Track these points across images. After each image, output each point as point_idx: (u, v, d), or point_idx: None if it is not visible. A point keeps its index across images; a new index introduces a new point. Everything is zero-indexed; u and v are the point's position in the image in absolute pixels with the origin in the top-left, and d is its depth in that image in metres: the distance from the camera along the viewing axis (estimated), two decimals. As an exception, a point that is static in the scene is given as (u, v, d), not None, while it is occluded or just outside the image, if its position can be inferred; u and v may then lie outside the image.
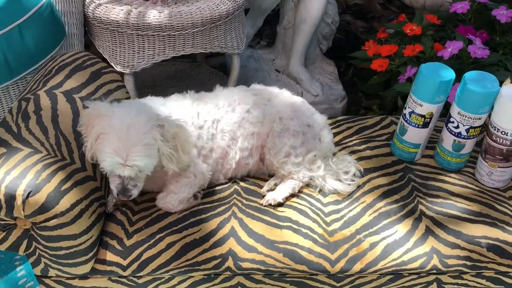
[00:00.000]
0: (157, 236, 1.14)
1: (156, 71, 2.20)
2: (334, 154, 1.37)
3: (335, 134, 1.46)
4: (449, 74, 1.26)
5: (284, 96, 1.36)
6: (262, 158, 1.30)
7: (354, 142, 1.43)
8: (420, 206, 1.25)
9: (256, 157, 1.29)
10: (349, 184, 1.28)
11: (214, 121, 1.25)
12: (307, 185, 1.30)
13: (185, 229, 1.16)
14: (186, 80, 2.19)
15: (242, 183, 1.30)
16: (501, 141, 1.24)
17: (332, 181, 1.28)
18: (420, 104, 1.29)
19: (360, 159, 1.38)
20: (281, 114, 1.30)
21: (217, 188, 1.27)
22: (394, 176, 1.33)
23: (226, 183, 1.29)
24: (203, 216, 1.19)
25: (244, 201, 1.24)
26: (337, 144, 1.43)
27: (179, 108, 1.23)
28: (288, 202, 1.25)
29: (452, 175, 1.34)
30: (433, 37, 2.03)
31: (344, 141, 1.44)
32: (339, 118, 1.52)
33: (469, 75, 1.25)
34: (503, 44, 1.98)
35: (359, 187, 1.30)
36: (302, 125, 1.31)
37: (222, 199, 1.24)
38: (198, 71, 2.24)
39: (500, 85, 1.26)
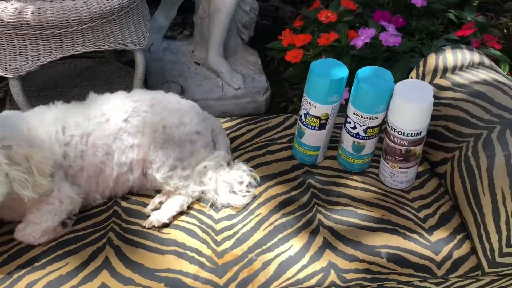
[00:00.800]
0: (15, 276, 0.99)
1: (58, 71, 2.01)
2: (230, 163, 1.26)
3: (234, 139, 1.34)
4: (342, 71, 1.15)
5: (170, 101, 1.22)
6: (144, 173, 1.17)
7: (254, 146, 1.32)
8: (319, 216, 1.16)
9: (137, 172, 1.15)
10: (244, 196, 1.17)
11: (83, 135, 1.10)
12: (198, 199, 1.18)
13: (50, 264, 1.01)
14: (92, 79, 2.02)
15: (123, 203, 1.16)
16: (399, 142, 1.15)
17: (225, 194, 1.17)
18: (314, 106, 1.18)
19: (258, 165, 1.26)
20: (164, 122, 1.16)
21: (93, 211, 1.13)
22: (293, 183, 1.23)
23: (105, 203, 1.15)
24: (73, 246, 1.05)
25: (123, 224, 1.11)
26: (235, 149, 1.31)
27: (40, 123, 1.08)
28: (175, 222, 1.13)
29: (355, 177, 1.25)
30: (349, 24, 1.93)
31: (243, 146, 1.32)
32: (239, 120, 1.40)
33: (362, 72, 1.15)
34: (419, 29, 1.90)
35: (255, 197, 1.19)
36: (190, 133, 1.18)
37: (97, 224, 1.10)
38: (106, 68, 2.07)
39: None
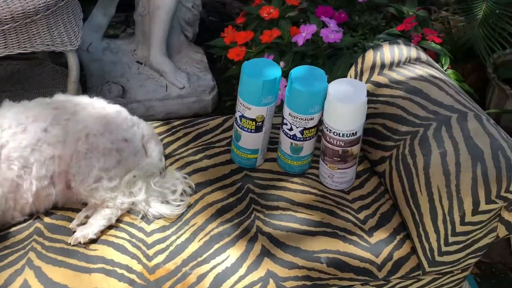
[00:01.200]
0: None
1: (-14, 75, 1.89)
2: (162, 171, 1.20)
3: (169, 144, 1.28)
4: (274, 71, 1.10)
5: (94, 107, 1.14)
6: (68, 185, 1.09)
7: (190, 151, 1.25)
8: (257, 222, 1.11)
9: (60, 185, 1.07)
10: (178, 206, 1.11)
11: None
12: (128, 211, 1.11)
13: (-40, 292, 0.93)
14: (24, 82, 1.89)
15: (46, 219, 1.08)
16: (335, 143, 1.12)
17: (157, 204, 1.10)
18: (248, 108, 1.13)
19: (195, 171, 1.21)
20: (87, 130, 1.08)
21: (12, 230, 1.04)
22: (231, 189, 1.18)
23: (25, 220, 1.06)
24: (-13, 270, 0.97)
25: (46, 242, 1.03)
26: (170, 156, 1.25)
27: None
28: (103, 237, 1.05)
29: (295, 179, 1.21)
30: (292, 20, 1.89)
31: (179, 151, 1.25)
32: (175, 123, 1.33)
33: (296, 71, 1.10)
34: (362, 24, 1.88)
35: (190, 206, 1.13)
36: (117, 141, 1.10)
37: (16, 243, 1.01)
38: (40, 71, 1.95)
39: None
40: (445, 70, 1.85)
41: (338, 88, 1.08)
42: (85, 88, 2.07)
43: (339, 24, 1.84)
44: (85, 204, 1.11)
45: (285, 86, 1.65)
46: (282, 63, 1.70)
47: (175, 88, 2.12)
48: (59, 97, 1.14)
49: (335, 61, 1.72)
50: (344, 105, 1.05)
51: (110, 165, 1.08)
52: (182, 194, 1.12)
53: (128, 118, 1.16)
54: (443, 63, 1.85)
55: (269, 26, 1.90)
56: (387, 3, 2.04)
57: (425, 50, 1.82)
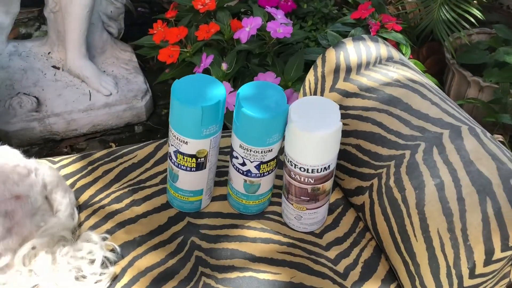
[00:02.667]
0: None
1: None
2: (77, 229, 0.89)
3: (83, 189, 0.94)
4: (216, 91, 0.79)
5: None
6: None
7: (113, 197, 0.93)
8: (207, 292, 0.84)
9: None
10: (99, 281, 0.80)
11: None
12: (29, 297, 0.80)
13: None
14: None
15: None
16: (303, 180, 0.84)
17: (69, 282, 0.78)
18: (185, 141, 0.83)
19: (119, 226, 0.88)
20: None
21: None
22: (171, 246, 0.88)
23: None
24: None
25: None
26: (85, 206, 0.91)
27: None
28: None
29: (253, 223, 0.92)
30: (231, 11, 1.59)
31: (97, 198, 0.93)
32: (91, 158, 0.99)
33: (244, 91, 0.80)
34: (311, 13, 1.61)
35: (115, 279, 0.82)
36: (3, 201, 0.76)
37: None
38: None
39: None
40: (405, 60, 1.63)
41: (302, 110, 0.79)
42: (-11, 102, 1.68)
43: (286, 15, 1.56)
44: (-37, 296, 0.79)
45: (230, 92, 1.36)
46: (224, 64, 1.40)
47: (101, 96, 1.76)
48: None
49: (285, 59, 1.44)
50: (312, 135, 0.77)
51: (-5, 238, 0.75)
52: (103, 263, 0.82)
53: (21, 163, 0.83)
54: (403, 52, 1.62)
55: (205, 20, 1.58)
56: (337, -13, 1.78)
57: (385, 40, 1.59)
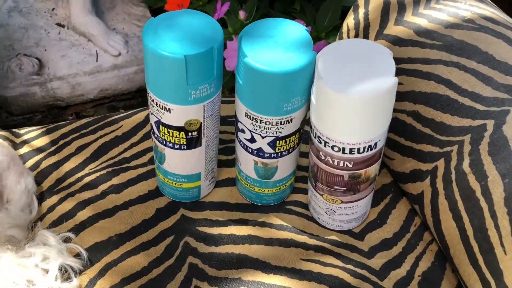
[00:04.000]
0: None
1: None
2: (33, 226, 0.67)
3: (48, 171, 0.70)
4: (210, 34, 0.52)
5: None
6: None
7: (86, 180, 0.70)
8: (202, 317, 0.61)
9: None
10: (56, 296, 0.61)
11: None
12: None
13: None
14: None
15: None
16: (336, 163, 0.59)
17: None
18: (167, 108, 0.59)
19: (89, 222, 0.65)
20: None
21: None
22: (156, 250, 0.64)
23: None
24: None
25: None
26: (50, 193, 0.67)
27: None
28: None
29: (269, 217, 0.67)
30: None
31: (66, 183, 0.69)
32: (65, 128, 0.75)
33: (250, 32, 0.53)
34: None
35: (81, 293, 0.63)
36: None
37: None
38: None
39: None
40: None
41: (337, 61, 0.53)
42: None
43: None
44: None
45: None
46: (242, 13, 1.14)
47: (109, 56, 1.54)
48: None
49: (318, 5, 1.16)
50: (352, 97, 0.51)
51: None
52: (63, 273, 0.61)
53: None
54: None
55: (221, -39, 1.32)
56: None
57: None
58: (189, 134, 0.59)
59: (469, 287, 0.60)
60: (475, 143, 0.60)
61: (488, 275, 0.56)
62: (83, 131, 0.77)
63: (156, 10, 1.66)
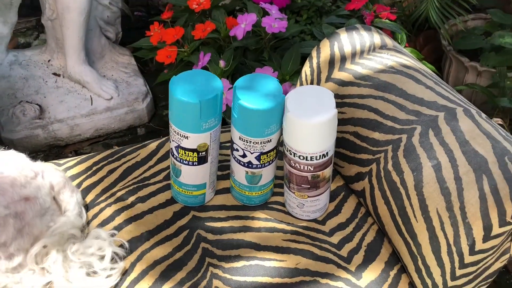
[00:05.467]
0: None
1: None
2: (85, 227, 0.91)
3: (88, 189, 0.96)
4: (214, 85, 0.81)
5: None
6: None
7: (118, 195, 0.95)
8: (216, 283, 0.84)
9: None
10: (109, 276, 0.83)
11: None
12: (42, 295, 0.83)
13: None
14: None
15: None
16: (303, 168, 0.87)
17: (81, 278, 0.80)
18: (186, 136, 0.86)
19: (126, 222, 0.91)
20: (-33, 196, 0.78)
21: None
22: (177, 239, 0.90)
23: None
24: None
25: None
26: (92, 205, 0.93)
27: None
28: None
29: (257, 213, 0.95)
30: (226, 9, 1.61)
31: (103, 198, 0.95)
32: (96, 158, 1.02)
33: (241, 83, 0.82)
34: (306, 6, 1.63)
35: (125, 274, 0.85)
36: (13, 203, 0.80)
37: None
38: None
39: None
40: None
41: (298, 99, 0.81)
42: (-8, 112, 1.72)
43: (280, 10, 1.58)
44: (-22, 296, 0.81)
45: (229, 88, 1.38)
46: (222, 62, 1.42)
47: (102, 100, 1.79)
48: None
49: (282, 53, 1.46)
50: (309, 122, 0.79)
51: (7, 238, 0.77)
52: (113, 258, 0.85)
53: (26, 166, 0.85)
54: (399, 41, 1.64)
55: (201, 19, 1.61)
56: (330, -21, 1.80)
57: (380, 29, 1.61)
58: (200, 153, 0.85)
59: (398, 249, 0.87)
60: (395, 150, 0.89)
61: (408, 238, 0.84)
62: (110, 159, 1.02)
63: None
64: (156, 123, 1.86)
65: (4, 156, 0.85)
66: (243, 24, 1.40)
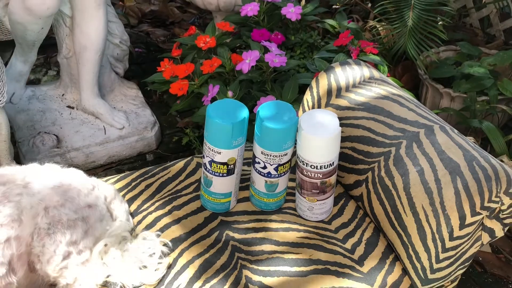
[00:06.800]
0: None
1: None
2: (133, 231, 1.09)
3: (131, 200, 1.16)
4: (241, 111, 1.04)
5: (49, 175, 1.02)
6: (32, 268, 0.95)
7: (157, 204, 1.15)
8: (245, 272, 1.04)
9: (22, 270, 0.93)
10: (157, 269, 1.01)
11: None
12: (104, 285, 1.00)
13: None
14: None
15: (11, 312, 0.95)
16: (313, 175, 1.08)
17: (135, 271, 0.99)
18: (218, 152, 1.06)
19: (166, 226, 1.11)
20: (46, 203, 0.96)
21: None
22: (210, 239, 1.10)
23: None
24: None
25: None
26: (136, 213, 1.14)
27: None
28: (79, 320, 0.94)
29: (274, 217, 1.15)
30: (229, 46, 1.84)
31: (144, 207, 1.15)
32: (133, 176, 1.22)
33: (263, 109, 1.05)
34: (299, 43, 1.88)
35: (170, 267, 1.04)
36: (80, 209, 0.99)
37: None
38: (-39, 133, 1.74)
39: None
40: (384, 79, 1.89)
41: (309, 120, 1.03)
42: (13, 142, 1.88)
43: (277, 46, 1.82)
44: (53, 286, 0.98)
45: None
46: (230, 93, 1.64)
47: (114, 129, 1.99)
48: (3, 170, 1.00)
49: (282, 84, 1.69)
50: (318, 137, 1.01)
51: (77, 238, 0.96)
52: (160, 255, 1.03)
53: (86, 181, 1.04)
54: (381, 71, 1.88)
55: (207, 56, 1.84)
56: (319, 19, 2.05)
57: (365, 62, 1.85)
58: (229, 166, 1.06)
59: (392, 241, 1.08)
60: (386, 160, 1.11)
61: (400, 231, 1.05)
62: (145, 176, 1.21)
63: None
64: (163, 149, 2.05)
65: (68, 172, 1.04)
66: (248, 60, 1.63)
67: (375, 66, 1.87)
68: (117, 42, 2.08)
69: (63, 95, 2.07)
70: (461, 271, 1.10)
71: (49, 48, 2.33)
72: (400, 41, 1.95)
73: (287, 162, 1.09)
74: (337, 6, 2.49)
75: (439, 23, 2.13)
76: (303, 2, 2.02)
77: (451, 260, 1.03)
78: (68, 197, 0.97)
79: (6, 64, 2.06)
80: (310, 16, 1.98)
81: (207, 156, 1.08)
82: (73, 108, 2.05)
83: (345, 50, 1.83)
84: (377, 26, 2.10)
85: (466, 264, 1.08)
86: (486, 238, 1.05)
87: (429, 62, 2.19)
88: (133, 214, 1.12)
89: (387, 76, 1.90)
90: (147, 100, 2.20)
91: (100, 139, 1.95)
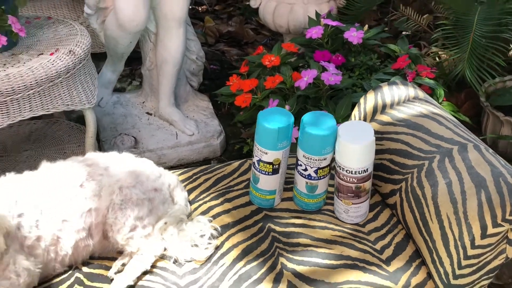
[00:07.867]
0: None
1: (6, 135, 1.98)
2: (189, 215, 1.28)
3: (191, 190, 1.36)
4: (287, 118, 1.21)
5: (125, 161, 1.24)
6: (105, 235, 1.17)
7: (212, 195, 1.34)
8: (281, 259, 1.19)
9: (98, 236, 1.15)
10: (206, 248, 1.19)
11: (37, 204, 1.10)
12: (161, 257, 1.19)
13: None
14: (43, 140, 1.99)
15: (85, 268, 1.15)
16: (349, 180, 1.21)
17: (187, 248, 1.17)
18: (265, 152, 1.22)
19: (218, 214, 1.29)
20: (121, 183, 1.17)
21: (54, 280, 1.11)
22: (254, 229, 1.26)
23: (65, 271, 1.14)
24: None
25: (87, 291, 1.10)
26: (194, 201, 1.33)
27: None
28: (139, 282, 1.12)
29: (313, 216, 1.29)
30: (292, 65, 2.02)
31: (201, 197, 1.34)
32: (195, 170, 1.42)
33: (307, 117, 1.21)
34: (358, 65, 2.01)
35: (217, 248, 1.21)
36: (147, 191, 1.19)
37: (59, 294, 1.09)
38: (56, 128, 2.05)
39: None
40: (440, 103, 1.96)
41: (347, 129, 1.18)
42: (98, 141, 2.17)
43: (337, 67, 1.96)
44: (120, 253, 1.19)
45: (297, 128, 1.76)
46: (287, 107, 1.81)
47: (185, 136, 2.22)
48: (90, 155, 1.24)
49: (336, 101, 1.83)
50: (355, 145, 1.15)
51: (143, 214, 1.16)
52: (209, 237, 1.20)
53: (156, 170, 1.26)
54: (438, 96, 1.96)
55: (271, 73, 2.02)
56: (380, 43, 2.17)
57: (420, 85, 1.94)
58: (274, 166, 1.22)
59: (419, 246, 1.18)
60: (419, 172, 1.21)
61: (426, 236, 1.15)
62: (205, 172, 1.41)
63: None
64: (227, 157, 2.25)
65: (141, 160, 1.26)
66: (306, 78, 1.79)
67: (432, 90, 1.95)
68: (194, 58, 2.33)
69: (143, 102, 2.35)
70: (486, 282, 1.16)
71: (134, 61, 2.63)
72: (459, 66, 2.01)
73: (326, 166, 1.23)
74: (407, 33, 2.59)
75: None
76: (365, 27, 2.15)
77: (474, 268, 1.11)
78: (139, 180, 1.19)
79: (98, 72, 2.38)
80: (372, 41, 2.11)
81: (256, 156, 1.25)
82: (151, 114, 2.32)
83: (402, 73, 1.93)
84: (438, 51, 2.18)
85: (491, 275, 1.15)
86: (511, 252, 1.12)
87: (492, 90, 2.22)
88: (191, 202, 1.32)
89: (443, 100, 1.97)
90: (217, 112, 2.42)
91: (172, 143, 2.19)
